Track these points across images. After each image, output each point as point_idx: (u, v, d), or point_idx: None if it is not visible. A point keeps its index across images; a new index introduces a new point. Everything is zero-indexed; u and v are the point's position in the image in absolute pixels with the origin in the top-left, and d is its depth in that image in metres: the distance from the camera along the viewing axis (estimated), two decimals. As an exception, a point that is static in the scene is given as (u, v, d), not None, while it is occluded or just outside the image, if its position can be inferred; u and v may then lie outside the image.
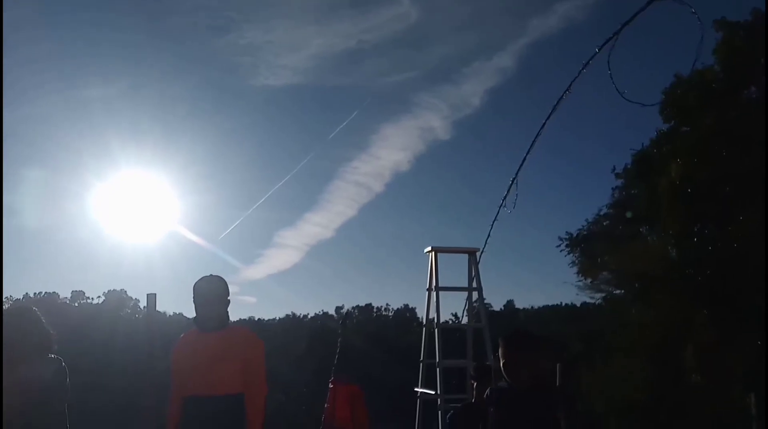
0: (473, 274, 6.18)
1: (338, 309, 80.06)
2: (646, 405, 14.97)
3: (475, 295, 6.27)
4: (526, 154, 5.77)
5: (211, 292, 3.78)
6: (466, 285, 6.32)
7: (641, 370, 15.23)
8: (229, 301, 3.90)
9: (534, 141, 5.69)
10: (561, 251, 19.54)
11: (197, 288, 3.83)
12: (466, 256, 6.31)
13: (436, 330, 5.83)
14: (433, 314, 6.05)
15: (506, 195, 6.00)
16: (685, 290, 13.20)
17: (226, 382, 3.63)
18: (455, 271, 6.69)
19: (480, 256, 6.36)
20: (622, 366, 15.81)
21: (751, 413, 11.86)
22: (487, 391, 3.51)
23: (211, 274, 3.90)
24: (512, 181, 6.00)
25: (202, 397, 3.63)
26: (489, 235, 6.60)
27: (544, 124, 5.55)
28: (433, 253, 6.06)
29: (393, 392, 37.82)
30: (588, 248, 18.21)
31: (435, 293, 5.96)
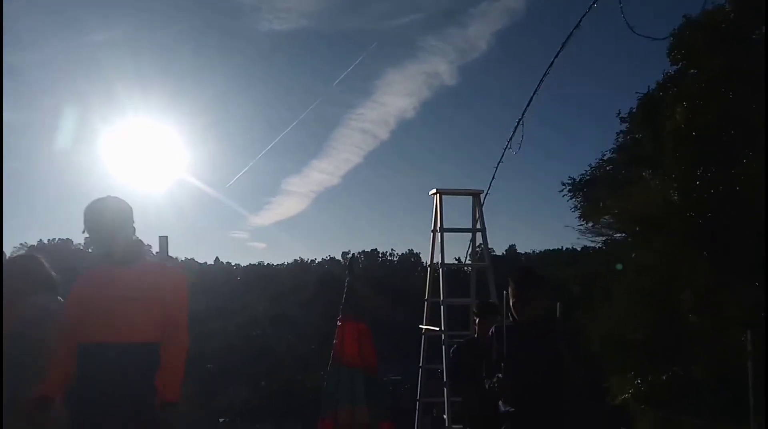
0: (477, 215, 6.32)
1: (344, 254, 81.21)
2: (643, 344, 15.44)
3: (479, 236, 6.43)
4: (533, 93, 5.84)
5: (107, 217, 3.14)
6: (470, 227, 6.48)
7: (639, 311, 15.62)
8: (133, 229, 3.25)
9: (542, 80, 5.75)
10: (563, 196, 19.72)
11: (89, 213, 3.16)
12: (470, 199, 6.44)
13: (440, 269, 6.02)
14: (437, 255, 6.23)
15: (512, 136, 6.10)
16: (686, 233, 13.37)
17: (134, 327, 3.00)
18: (460, 216, 6.84)
19: (484, 199, 6.51)
20: (620, 307, 16.21)
21: (746, 351, 12.20)
22: (492, 327, 3.63)
23: (107, 196, 3.25)
24: (518, 122, 6.08)
25: (104, 343, 2.99)
26: (493, 177, 6.75)
27: (553, 62, 5.60)
28: (438, 195, 6.18)
29: (398, 333, 38.89)
30: (590, 193, 18.33)
31: (439, 234, 6.12)
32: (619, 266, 16.42)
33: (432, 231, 6.35)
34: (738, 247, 12.27)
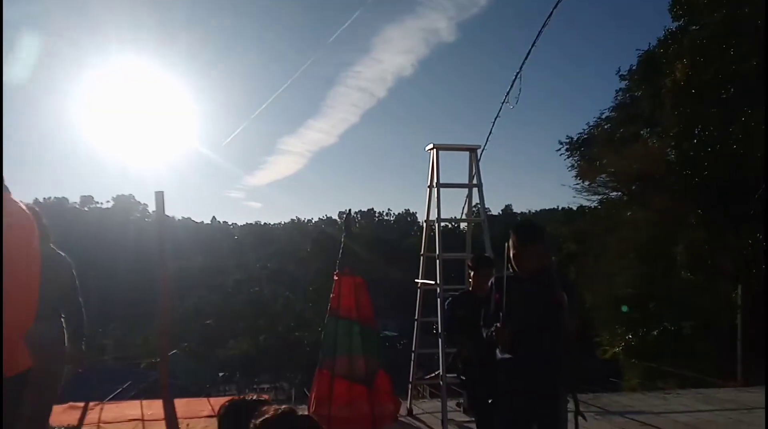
0: (474, 171, 6.30)
1: (341, 214, 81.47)
2: (636, 298, 15.73)
3: (475, 194, 6.44)
4: (532, 45, 5.77)
5: None
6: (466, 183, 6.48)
7: (633, 267, 15.86)
8: None
9: (540, 31, 5.66)
10: (561, 155, 19.74)
11: None
12: (467, 155, 6.41)
13: (436, 225, 6.04)
14: (433, 210, 6.23)
15: (509, 90, 6.05)
16: (681, 191, 13.44)
17: None
18: (457, 174, 6.79)
19: (481, 154, 6.47)
20: (615, 263, 16.44)
21: (737, 304, 12.43)
22: (492, 277, 3.66)
23: None
24: (516, 75, 6.03)
25: None
26: (490, 131, 6.71)
27: (552, 13, 5.50)
28: (435, 150, 6.14)
29: (395, 291, 39.44)
30: (588, 151, 18.33)
31: (436, 190, 6.11)
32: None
33: (428, 187, 6.34)
34: (732, 204, 12.36)
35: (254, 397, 2.37)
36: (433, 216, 6.24)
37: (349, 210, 6.77)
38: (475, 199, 6.55)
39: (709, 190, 12.69)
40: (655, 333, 15.47)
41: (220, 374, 37.16)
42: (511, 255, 3.35)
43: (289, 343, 33.50)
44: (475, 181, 6.28)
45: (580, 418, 3.34)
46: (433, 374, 6.89)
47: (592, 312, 16.61)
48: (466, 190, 6.52)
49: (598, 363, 17.20)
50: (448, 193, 6.34)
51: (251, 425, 1.89)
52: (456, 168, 6.86)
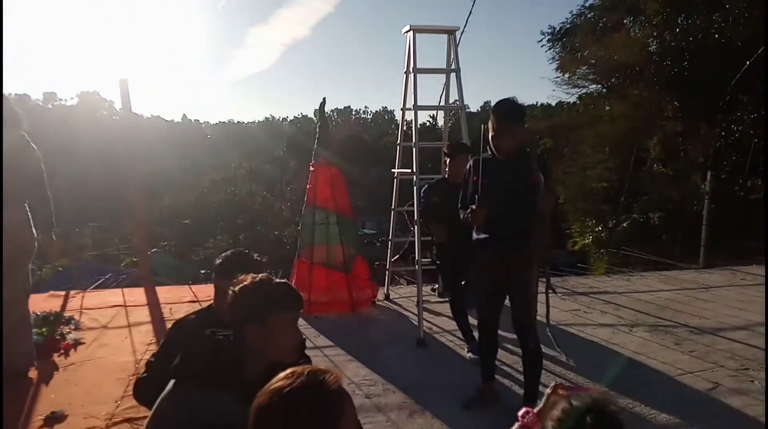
0: (452, 56, 6.07)
1: (316, 111, 79.86)
2: (607, 191, 16.07)
3: (453, 84, 6.23)
4: None
5: None
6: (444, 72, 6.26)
7: (606, 160, 16.03)
8: None
9: None
10: (542, 46, 19.21)
11: None
12: (446, 45, 6.15)
13: (413, 112, 5.88)
14: (410, 98, 6.05)
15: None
16: (660, 82, 13.32)
17: None
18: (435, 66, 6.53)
19: (460, 38, 6.20)
20: (589, 157, 16.59)
21: (705, 192, 12.75)
22: (471, 160, 3.60)
23: None
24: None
25: None
26: (471, 12, 6.41)
27: None
28: (412, 32, 5.85)
29: (372, 190, 39.69)
30: (569, 42, 17.87)
31: (412, 76, 5.89)
32: None
33: (405, 72, 6.10)
34: (707, 93, 12.33)
35: (257, 256, 2.43)
36: (410, 103, 6.04)
37: (324, 98, 6.56)
38: (453, 91, 6.34)
39: (687, 81, 12.60)
40: (625, 225, 15.95)
41: (202, 271, 37.83)
42: (490, 136, 3.28)
43: (269, 241, 33.91)
44: (453, 66, 6.07)
45: (550, 291, 3.46)
46: (401, 252, 7.05)
47: (565, 204, 16.96)
48: (443, 83, 6.31)
49: (567, 254, 17.82)
50: (425, 87, 6.08)
51: (230, 292, 1.91)
52: (434, 60, 6.59)
